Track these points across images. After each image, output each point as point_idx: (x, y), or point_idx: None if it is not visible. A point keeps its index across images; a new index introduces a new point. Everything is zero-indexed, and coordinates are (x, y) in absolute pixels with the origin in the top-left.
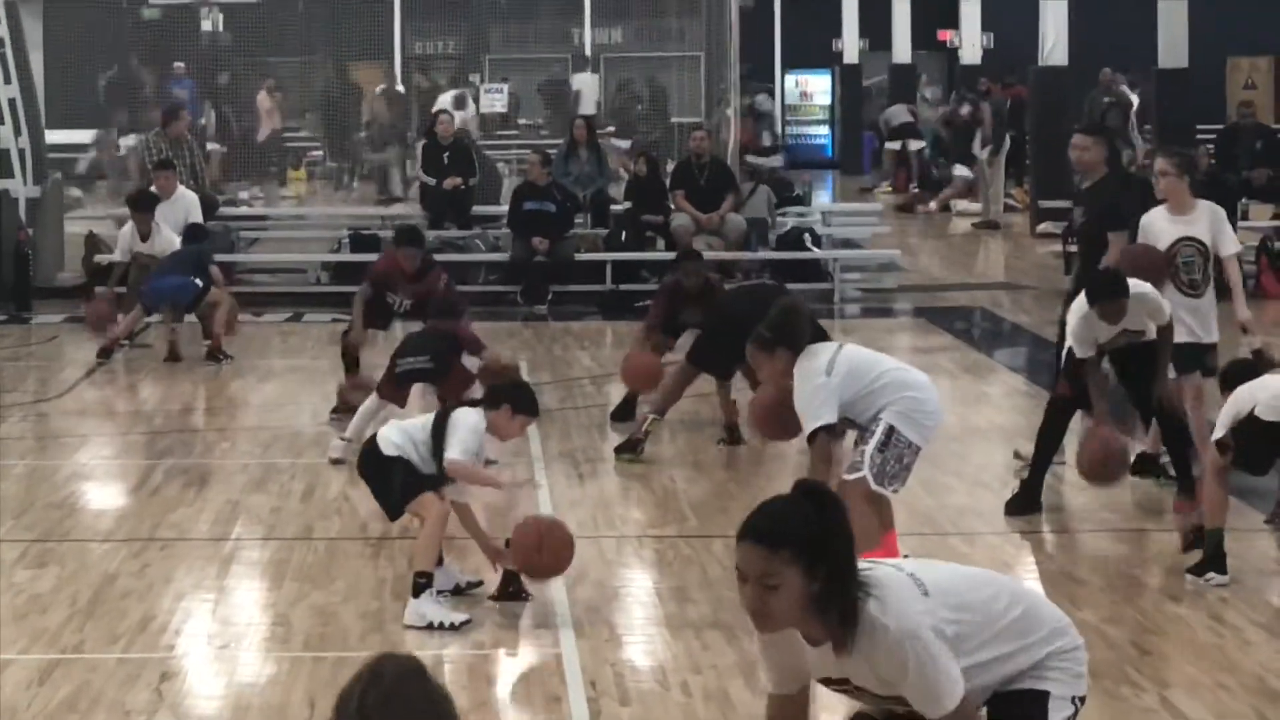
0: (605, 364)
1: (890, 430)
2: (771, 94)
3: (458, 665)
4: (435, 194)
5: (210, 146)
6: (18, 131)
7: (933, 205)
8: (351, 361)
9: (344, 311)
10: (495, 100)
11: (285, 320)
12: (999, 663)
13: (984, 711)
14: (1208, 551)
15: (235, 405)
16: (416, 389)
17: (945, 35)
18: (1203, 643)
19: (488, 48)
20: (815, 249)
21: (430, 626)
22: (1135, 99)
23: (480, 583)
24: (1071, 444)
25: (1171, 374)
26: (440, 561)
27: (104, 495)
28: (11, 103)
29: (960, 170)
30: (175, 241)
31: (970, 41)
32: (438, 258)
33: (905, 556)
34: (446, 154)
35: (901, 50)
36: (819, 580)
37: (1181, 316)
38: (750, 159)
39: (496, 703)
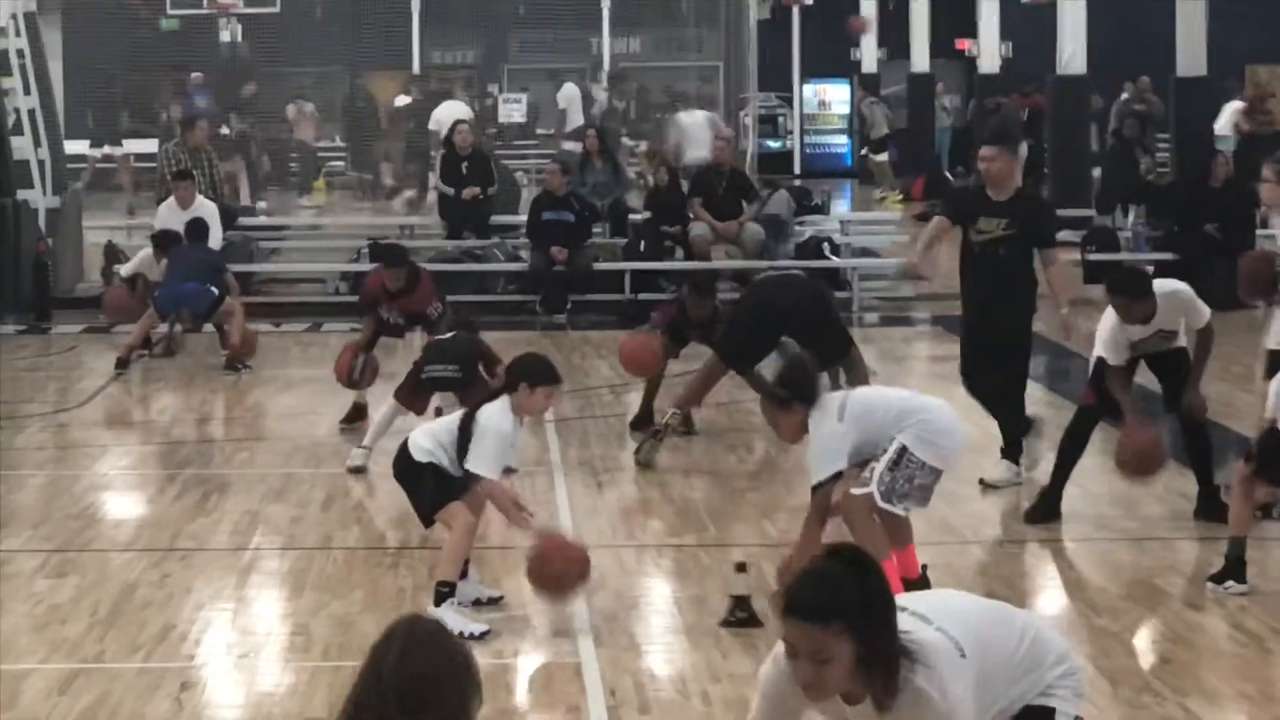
0: (624, 374)
1: (902, 450)
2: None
3: None
4: (453, 204)
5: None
6: (37, 142)
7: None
8: (355, 410)
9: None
10: (514, 110)
11: (304, 330)
12: (1015, 701)
13: None
14: (1228, 560)
15: (254, 415)
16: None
17: (964, 44)
18: (1224, 651)
19: (506, 57)
20: (834, 258)
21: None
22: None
23: (501, 597)
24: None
25: None
26: (465, 574)
27: (123, 505)
28: (31, 113)
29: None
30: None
31: (988, 50)
32: (456, 268)
33: (924, 567)
34: (465, 164)
35: (920, 59)
36: (867, 646)
37: None
38: None
39: (516, 711)
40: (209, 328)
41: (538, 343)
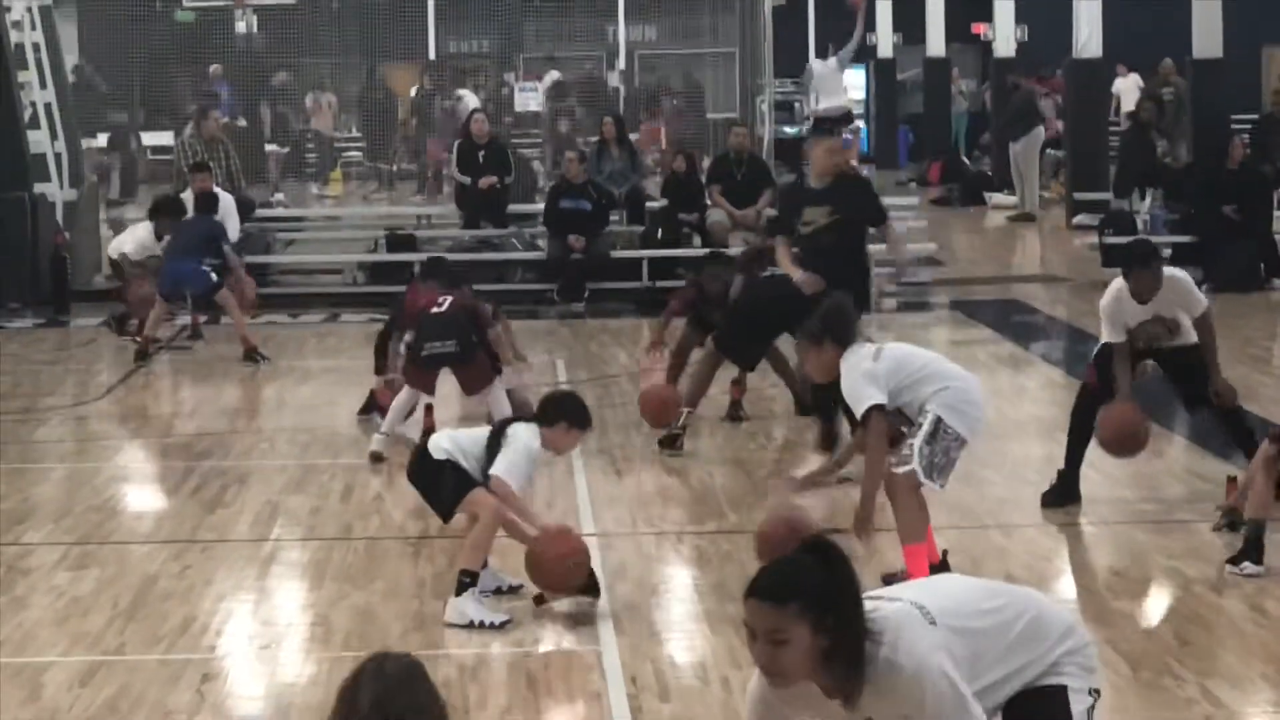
0: (642, 361)
1: (938, 422)
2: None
3: (499, 663)
4: (471, 193)
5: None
6: (54, 136)
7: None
8: (383, 359)
9: (381, 311)
10: (530, 99)
11: (322, 321)
12: (1015, 675)
13: (999, 716)
14: (1247, 541)
15: (273, 406)
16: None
17: (979, 28)
18: (1244, 633)
19: (521, 46)
20: None
21: (471, 625)
22: None
23: (521, 586)
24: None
25: None
26: (485, 563)
27: (143, 497)
28: (47, 107)
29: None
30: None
31: (1004, 35)
32: (474, 257)
33: (943, 551)
34: (482, 153)
35: (936, 44)
36: (827, 633)
37: None
38: None
39: (538, 700)
40: (226, 319)
41: (556, 331)
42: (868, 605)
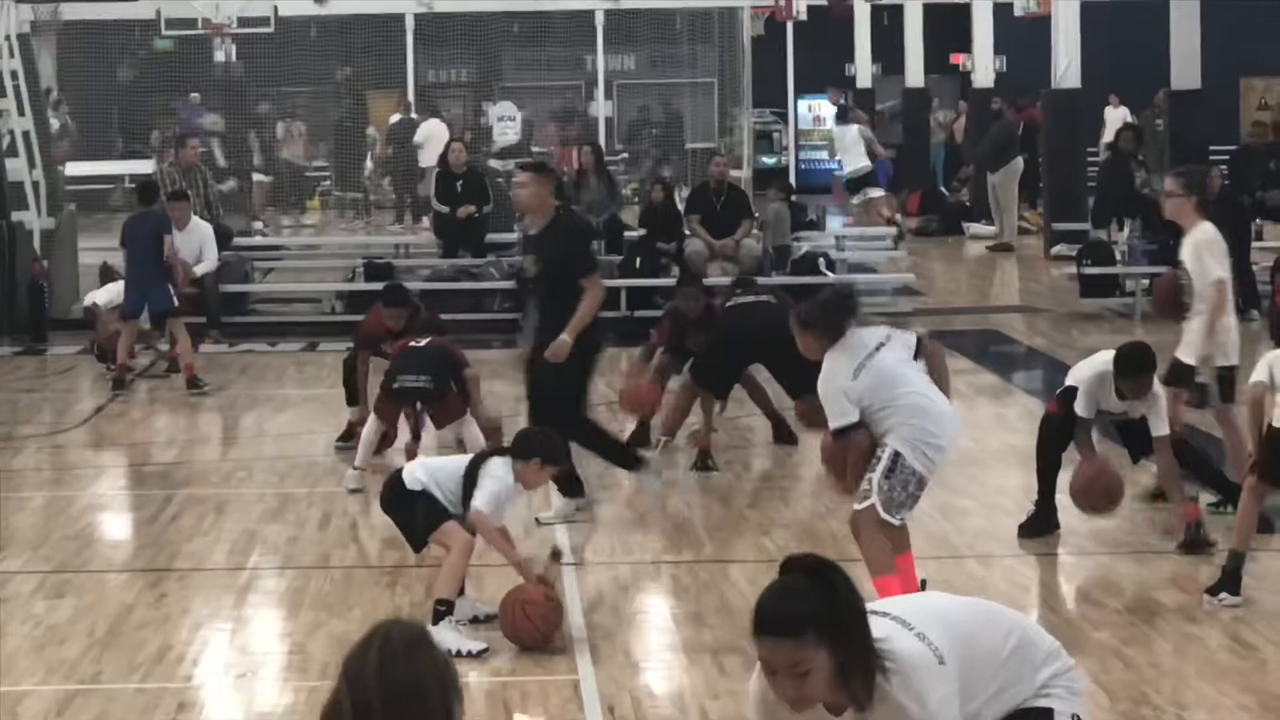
0: (620, 390)
1: (896, 457)
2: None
3: (477, 692)
4: (449, 222)
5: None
6: (32, 164)
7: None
8: (353, 392)
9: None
10: (507, 128)
11: (300, 350)
12: (1004, 694)
13: None
14: (1225, 572)
15: (251, 435)
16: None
17: (958, 59)
18: (1221, 663)
19: (500, 75)
20: (830, 274)
21: (449, 653)
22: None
23: (497, 615)
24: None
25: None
26: (461, 591)
27: (121, 526)
28: (25, 135)
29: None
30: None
31: (983, 64)
32: (452, 286)
33: (923, 580)
34: (460, 182)
35: (914, 74)
36: (842, 649)
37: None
38: None
39: None
40: (205, 348)
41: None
42: (878, 631)
